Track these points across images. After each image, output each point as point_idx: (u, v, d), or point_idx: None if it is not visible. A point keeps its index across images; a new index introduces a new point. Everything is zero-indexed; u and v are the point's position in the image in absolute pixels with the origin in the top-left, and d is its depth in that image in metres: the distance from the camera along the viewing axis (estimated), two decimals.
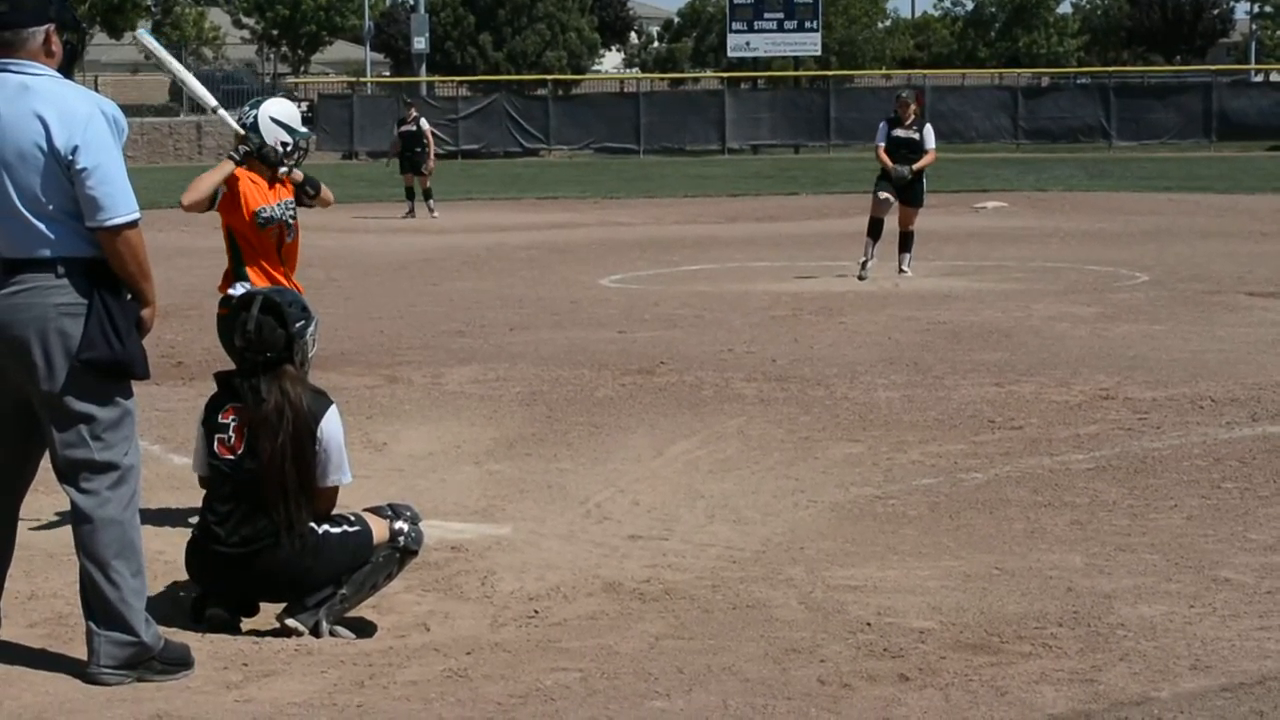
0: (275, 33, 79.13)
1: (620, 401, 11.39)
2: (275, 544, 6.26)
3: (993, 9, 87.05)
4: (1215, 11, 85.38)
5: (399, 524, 6.58)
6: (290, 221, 8.27)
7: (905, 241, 19.01)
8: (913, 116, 18.94)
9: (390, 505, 6.74)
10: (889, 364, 12.76)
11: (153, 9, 70.90)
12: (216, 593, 6.44)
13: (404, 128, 30.28)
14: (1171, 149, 55.34)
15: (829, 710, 5.48)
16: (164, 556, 7.28)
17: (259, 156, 8.00)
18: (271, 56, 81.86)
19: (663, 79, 74.53)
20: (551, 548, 7.74)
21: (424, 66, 64.95)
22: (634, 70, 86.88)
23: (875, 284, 18.23)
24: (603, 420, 10.76)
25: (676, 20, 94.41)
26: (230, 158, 7.99)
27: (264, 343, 6.38)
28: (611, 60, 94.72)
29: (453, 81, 64.99)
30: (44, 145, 5.53)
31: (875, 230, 18.68)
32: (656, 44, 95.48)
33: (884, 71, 76.57)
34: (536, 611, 6.70)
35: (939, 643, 6.18)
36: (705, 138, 58.65)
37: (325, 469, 6.35)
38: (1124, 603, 6.66)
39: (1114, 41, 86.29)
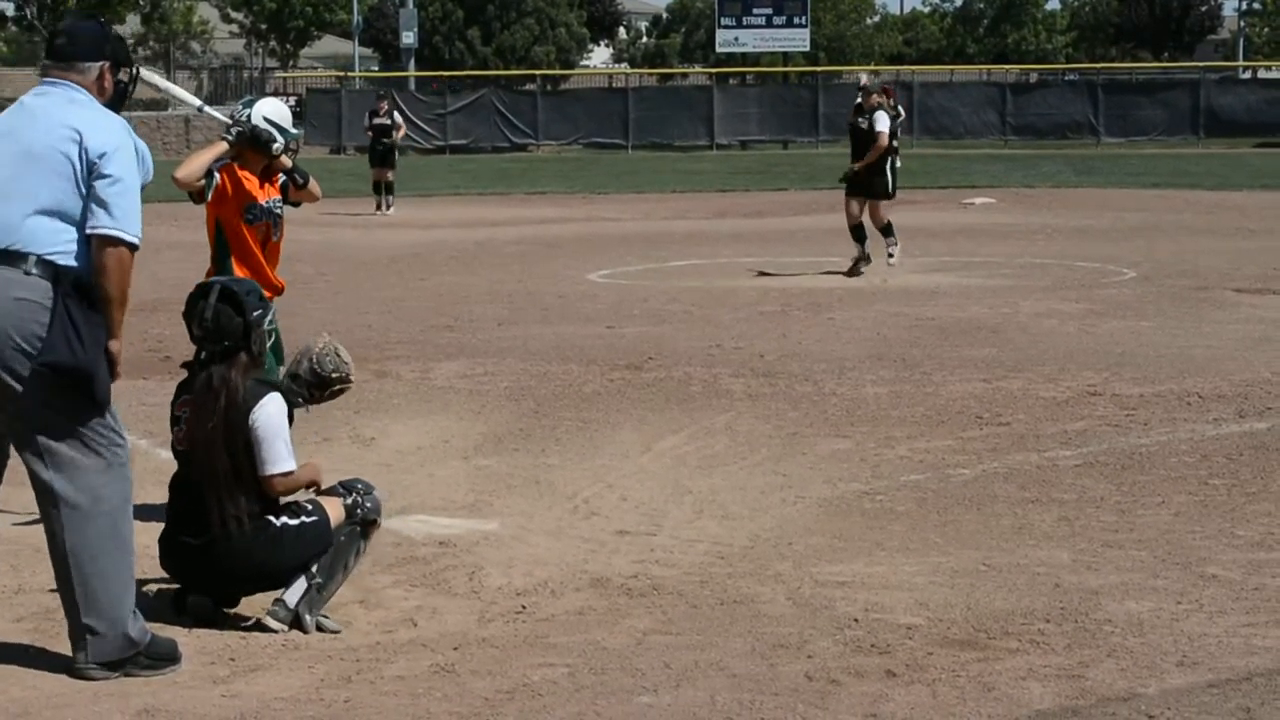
0: (264, 27, 79.04)
1: (608, 397, 11.39)
2: (227, 534, 6.25)
3: (981, 5, 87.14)
4: (1203, 8, 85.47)
5: (350, 498, 6.56)
6: (278, 220, 8.29)
7: (884, 232, 18.81)
8: (875, 107, 18.37)
9: (340, 483, 6.69)
10: (877, 360, 12.77)
11: (140, 3, 70.73)
12: (189, 584, 6.45)
13: (377, 120, 30.38)
14: (1159, 145, 55.44)
15: (816, 706, 5.48)
16: (150, 551, 7.25)
17: (251, 136, 8.00)
18: (260, 51, 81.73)
19: (651, 74, 74.55)
20: (539, 543, 7.74)
21: (412, 61, 64.92)
22: (623, 66, 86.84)
23: (864, 279, 18.25)
24: (591, 416, 10.76)
25: (665, 15, 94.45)
26: (223, 137, 8.01)
27: (221, 331, 6.37)
28: (600, 55, 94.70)
29: (441, 76, 64.89)
30: (69, 151, 5.59)
31: (855, 235, 18.60)
32: (645, 39, 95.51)
33: (872, 67, 76.53)
34: (524, 607, 6.69)
35: (926, 639, 6.18)
36: (694, 133, 58.65)
37: (261, 458, 6.32)
38: (1111, 599, 6.67)
39: (1102, 38, 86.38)
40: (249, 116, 8.08)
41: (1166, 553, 7.39)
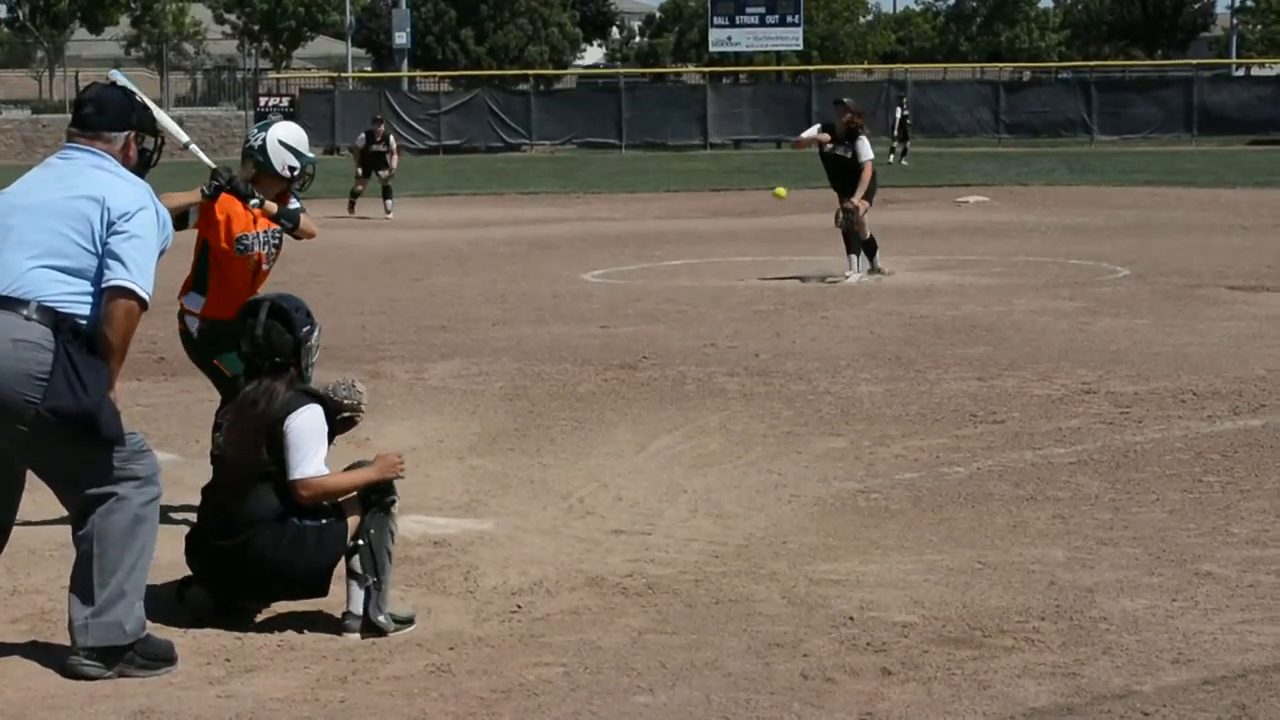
0: (256, 28, 79.04)
1: (603, 396, 11.39)
2: (250, 536, 6.26)
3: (974, 3, 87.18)
4: (1196, 6, 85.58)
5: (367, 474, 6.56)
6: (273, 252, 8.14)
7: (865, 247, 18.50)
8: (855, 131, 17.67)
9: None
10: (871, 358, 12.78)
11: (132, 5, 70.70)
12: (207, 582, 6.46)
13: (374, 148, 29.34)
14: (1153, 143, 55.52)
15: (811, 704, 5.49)
16: (156, 555, 7.25)
17: (230, 190, 7.80)
18: (253, 52, 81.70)
19: (645, 74, 74.53)
20: (534, 543, 7.74)
21: (405, 61, 64.92)
22: (616, 65, 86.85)
23: (863, 281, 18.23)
24: (585, 415, 10.76)
25: (658, 15, 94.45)
26: (201, 191, 7.69)
27: (272, 348, 6.45)
28: (593, 55, 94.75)
29: (434, 76, 64.92)
30: (89, 211, 5.64)
31: (848, 244, 18.46)
32: (638, 39, 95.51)
33: (865, 66, 76.67)
34: (519, 606, 6.69)
35: (921, 637, 6.19)
36: (687, 132, 58.72)
37: (290, 462, 6.34)
38: (1106, 596, 6.68)
39: (1095, 36, 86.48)
40: (264, 140, 7.95)
41: (1161, 550, 7.40)
